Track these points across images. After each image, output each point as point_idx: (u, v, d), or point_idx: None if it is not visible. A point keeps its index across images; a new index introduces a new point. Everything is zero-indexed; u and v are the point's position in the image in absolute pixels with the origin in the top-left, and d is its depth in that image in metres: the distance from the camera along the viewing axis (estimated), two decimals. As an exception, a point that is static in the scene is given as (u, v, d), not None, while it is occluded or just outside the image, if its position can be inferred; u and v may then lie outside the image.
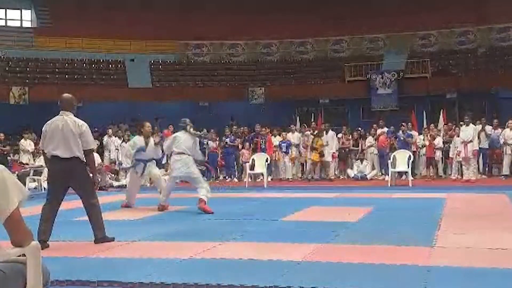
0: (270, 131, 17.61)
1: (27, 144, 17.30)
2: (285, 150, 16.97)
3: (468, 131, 14.61)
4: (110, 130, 17.83)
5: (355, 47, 28.89)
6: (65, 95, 6.47)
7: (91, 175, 6.32)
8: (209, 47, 29.45)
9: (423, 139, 16.20)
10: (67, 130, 6.04)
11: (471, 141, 14.46)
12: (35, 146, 17.78)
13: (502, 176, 15.26)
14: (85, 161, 6.13)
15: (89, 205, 6.19)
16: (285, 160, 17.06)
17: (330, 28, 28.13)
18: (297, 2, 27.96)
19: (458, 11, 26.89)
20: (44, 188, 14.61)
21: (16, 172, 14.00)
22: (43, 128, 6.30)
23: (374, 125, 17.77)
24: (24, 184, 12.26)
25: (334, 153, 17.00)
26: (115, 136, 17.37)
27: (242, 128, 18.32)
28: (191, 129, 9.43)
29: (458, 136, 14.87)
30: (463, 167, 14.85)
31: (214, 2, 28.42)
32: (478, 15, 27.02)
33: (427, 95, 23.53)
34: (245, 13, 28.61)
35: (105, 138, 17.50)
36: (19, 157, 17.22)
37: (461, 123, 15.75)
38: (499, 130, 15.82)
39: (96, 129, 17.34)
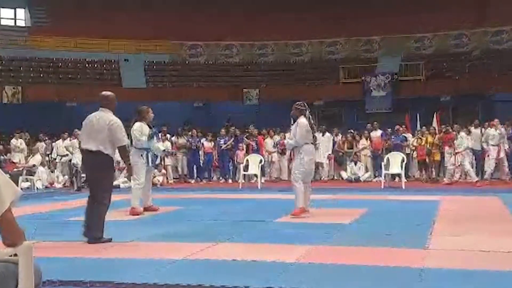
0: (267, 132, 17.57)
1: (18, 143, 17.23)
2: (281, 152, 16.91)
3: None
4: None
5: (350, 49, 28.92)
6: (104, 92, 6.68)
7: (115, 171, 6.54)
8: (204, 48, 29.42)
9: (415, 142, 16.21)
10: (99, 125, 6.25)
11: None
12: (27, 145, 17.72)
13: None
14: (111, 156, 6.27)
15: (95, 201, 6.20)
16: (281, 161, 17.05)
17: (325, 30, 28.15)
18: (292, 4, 27.97)
19: (453, 14, 26.96)
20: (37, 188, 14.56)
21: (9, 172, 13.93)
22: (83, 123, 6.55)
23: (368, 125, 17.79)
24: (17, 184, 12.21)
25: (330, 154, 17.02)
26: None
27: (234, 129, 18.22)
28: (310, 115, 8.37)
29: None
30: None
31: (209, 3, 28.40)
32: (473, 18, 27.11)
33: (422, 98, 23.59)
34: (240, 14, 28.61)
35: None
36: (11, 157, 17.15)
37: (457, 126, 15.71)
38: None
39: None
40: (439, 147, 15.50)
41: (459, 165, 14.62)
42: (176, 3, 28.38)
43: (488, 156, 14.77)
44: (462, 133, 14.93)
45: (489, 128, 15.03)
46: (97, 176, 6.25)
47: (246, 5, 28.43)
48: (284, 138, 16.82)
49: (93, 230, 6.08)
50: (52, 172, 16.65)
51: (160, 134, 17.22)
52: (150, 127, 9.15)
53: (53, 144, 17.34)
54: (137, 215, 8.51)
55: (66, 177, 16.14)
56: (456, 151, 14.56)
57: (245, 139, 17.11)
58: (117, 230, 6.64)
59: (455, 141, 14.68)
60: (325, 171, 17.06)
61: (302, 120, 8.17)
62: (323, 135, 16.95)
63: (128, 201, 8.93)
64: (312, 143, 8.26)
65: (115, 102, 6.57)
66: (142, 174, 8.83)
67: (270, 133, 17.45)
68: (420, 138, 16.09)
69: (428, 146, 15.66)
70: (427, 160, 15.86)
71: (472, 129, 15.93)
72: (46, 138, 17.62)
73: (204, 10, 28.23)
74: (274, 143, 17.07)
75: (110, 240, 6.13)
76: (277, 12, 27.86)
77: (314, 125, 8.52)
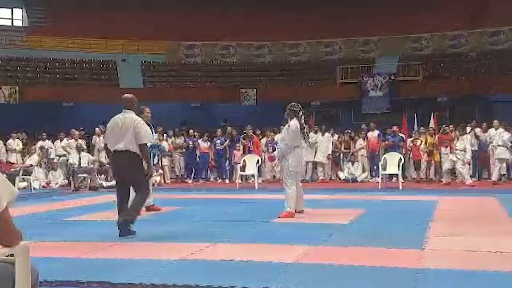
0: (261, 133, 17.56)
1: (15, 143, 17.17)
2: (271, 151, 16.84)
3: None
4: (97, 129, 17.63)
5: (348, 49, 28.93)
6: (126, 95, 7.05)
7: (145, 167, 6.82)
8: (202, 48, 29.40)
9: (410, 142, 16.23)
10: (125, 126, 6.59)
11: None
12: (24, 145, 17.67)
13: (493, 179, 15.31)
14: (139, 154, 6.60)
15: (134, 197, 6.68)
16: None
17: (323, 30, 28.17)
18: (290, 4, 27.98)
19: (451, 15, 27.01)
20: (34, 188, 14.51)
21: (6, 172, 13.88)
22: (107, 125, 7.00)
23: (363, 125, 17.81)
24: (14, 184, 12.20)
25: (329, 154, 17.02)
26: (103, 137, 17.06)
27: (231, 129, 18.21)
28: (302, 116, 8.31)
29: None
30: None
31: (206, 3, 28.38)
32: (470, 19, 27.15)
33: (419, 98, 23.63)
34: (237, 14, 28.61)
35: (94, 137, 17.27)
36: (7, 157, 17.11)
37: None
38: (488, 132, 15.86)
39: (82, 128, 17.16)
40: (438, 148, 15.52)
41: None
42: (169, 4, 28.34)
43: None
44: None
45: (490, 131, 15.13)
46: (130, 174, 6.61)
47: (238, 7, 28.40)
48: (273, 140, 16.77)
49: (126, 217, 6.49)
50: (55, 170, 16.52)
51: (156, 135, 17.23)
52: (149, 126, 9.14)
53: (49, 150, 17.25)
54: None
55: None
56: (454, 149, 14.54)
57: (242, 140, 17.09)
58: (115, 230, 6.63)
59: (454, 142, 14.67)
60: (325, 171, 17.06)
61: (293, 122, 8.17)
62: (322, 135, 16.99)
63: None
64: (300, 145, 8.24)
65: (136, 103, 6.95)
66: None
67: (266, 134, 17.41)
68: (416, 138, 16.11)
69: (427, 146, 15.67)
70: (423, 159, 15.89)
71: (468, 129, 15.95)
72: (44, 146, 17.43)
73: (204, 10, 28.20)
74: (265, 143, 16.97)
75: (134, 233, 6.48)
76: (277, 12, 27.86)
77: (306, 126, 8.52)
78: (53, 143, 17.23)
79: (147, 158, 6.91)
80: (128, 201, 6.71)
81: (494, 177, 14.78)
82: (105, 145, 7.00)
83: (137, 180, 6.66)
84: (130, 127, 6.55)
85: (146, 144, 6.77)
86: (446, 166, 14.87)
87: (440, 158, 15.46)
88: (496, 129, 15.41)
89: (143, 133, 6.64)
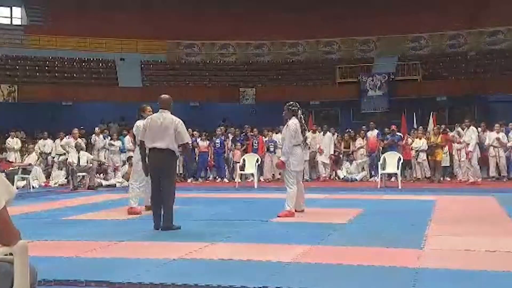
0: (259, 132, 17.57)
1: (13, 142, 17.15)
2: (272, 150, 16.85)
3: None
4: (96, 128, 17.62)
5: (347, 49, 28.93)
6: (163, 95, 7.30)
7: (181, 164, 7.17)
8: (201, 47, 29.39)
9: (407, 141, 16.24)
10: (165, 125, 6.89)
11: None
12: (22, 144, 17.67)
13: (493, 178, 15.35)
14: (176, 153, 7.01)
15: (164, 193, 6.91)
16: (273, 160, 16.99)
17: (322, 30, 28.17)
18: (289, 4, 27.97)
19: (449, 15, 27.02)
20: (33, 187, 14.49)
21: (5, 171, 13.88)
22: (143, 123, 7.34)
23: (363, 126, 17.83)
24: (12, 183, 12.20)
25: (332, 155, 17.02)
26: (103, 136, 17.07)
27: (233, 129, 18.24)
28: (301, 115, 8.35)
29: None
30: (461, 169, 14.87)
31: (206, 3, 28.37)
32: (469, 19, 27.16)
33: (418, 98, 23.65)
34: (236, 14, 28.58)
35: (93, 137, 17.25)
36: (6, 156, 17.10)
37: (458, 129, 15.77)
38: (487, 132, 15.88)
39: (81, 127, 17.16)
40: (442, 147, 15.49)
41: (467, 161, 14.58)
42: (168, 3, 28.30)
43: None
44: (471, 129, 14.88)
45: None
46: (166, 170, 6.92)
47: (237, 6, 28.37)
48: (270, 139, 16.81)
49: (165, 220, 6.80)
50: (60, 169, 16.49)
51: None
52: None
53: (48, 155, 17.28)
54: (135, 214, 8.49)
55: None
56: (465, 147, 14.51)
57: (245, 139, 17.09)
58: (114, 229, 6.63)
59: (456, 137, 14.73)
60: (327, 170, 17.06)
61: (291, 122, 8.16)
62: (324, 135, 17.01)
63: (127, 200, 8.93)
64: (300, 144, 8.24)
65: (172, 103, 7.19)
66: (141, 173, 8.77)
67: (264, 133, 17.41)
68: (409, 138, 16.12)
69: (431, 143, 15.69)
70: (415, 159, 15.91)
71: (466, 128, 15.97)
72: (44, 151, 17.41)
73: (203, 10, 28.17)
74: (267, 141, 16.97)
75: (179, 228, 6.81)
76: (276, 12, 27.84)
77: (305, 125, 8.51)
78: (54, 141, 17.24)
79: (191, 155, 7.32)
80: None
81: None
82: (141, 142, 7.19)
83: (169, 175, 6.96)
84: (170, 127, 6.87)
85: (189, 143, 7.28)
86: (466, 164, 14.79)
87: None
88: (498, 132, 15.43)
89: (184, 133, 7.01)
